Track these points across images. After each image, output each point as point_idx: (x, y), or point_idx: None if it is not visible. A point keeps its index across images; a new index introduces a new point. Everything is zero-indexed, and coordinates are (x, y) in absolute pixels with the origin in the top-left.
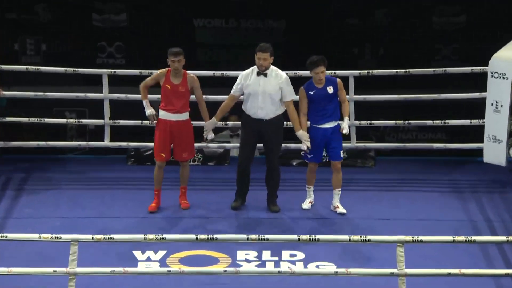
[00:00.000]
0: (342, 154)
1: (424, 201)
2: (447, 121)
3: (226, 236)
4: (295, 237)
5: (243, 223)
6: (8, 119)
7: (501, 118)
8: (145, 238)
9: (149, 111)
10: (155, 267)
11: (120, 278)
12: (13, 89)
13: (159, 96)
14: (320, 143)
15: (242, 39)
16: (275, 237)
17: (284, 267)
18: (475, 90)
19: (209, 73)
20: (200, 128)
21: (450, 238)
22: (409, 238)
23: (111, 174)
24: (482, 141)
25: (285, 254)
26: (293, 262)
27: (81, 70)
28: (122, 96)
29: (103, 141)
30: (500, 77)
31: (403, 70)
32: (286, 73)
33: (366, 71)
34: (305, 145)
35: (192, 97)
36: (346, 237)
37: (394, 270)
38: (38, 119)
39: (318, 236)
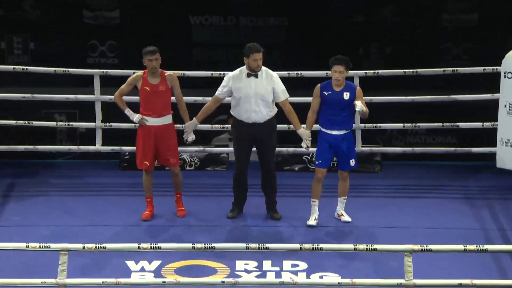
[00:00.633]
0: (353, 162)
1: (433, 208)
2: (457, 124)
3: (224, 245)
4: (297, 246)
5: (242, 231)
6: None
7: None
8: (138, 247)
9: (135, 117)
10: (149, 278)
11: None
12: None
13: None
14: (328, 148)
15: (242, 38)
16: (276, 246)
17: (286, 277)
18: (488, 91)
19: (207, 73)
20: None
21: (461, 247)
22: (417, 247)
23: (103, 179)
24: (494, 145)
25: (287, 264)
26: (295, 273)
27: (71, 70)
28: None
29: (95, 145)
30: None
31: (411, 70)
32: (288, 74)
33: (372, 71)
34: (305, 143)
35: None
36: (351, 246)
37: (402, 281)
38: (26, 122)
39: (321, 245)
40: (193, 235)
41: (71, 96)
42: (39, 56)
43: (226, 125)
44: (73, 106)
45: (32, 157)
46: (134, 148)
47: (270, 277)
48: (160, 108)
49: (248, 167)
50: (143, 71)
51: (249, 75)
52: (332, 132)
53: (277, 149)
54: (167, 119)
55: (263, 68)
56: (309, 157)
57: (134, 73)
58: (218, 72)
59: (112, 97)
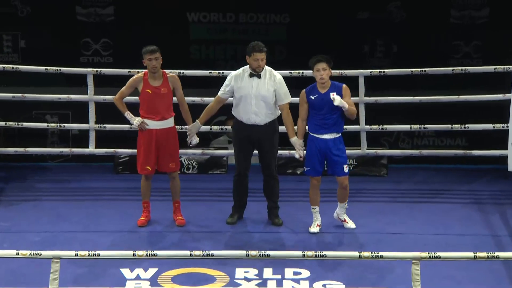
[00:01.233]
0: (346, 168)
1: (442, 214)
2: (467, 125)
3: (223, 252)
4: (299, 253)
5: (242, 238)
6: None
7: None
8: (134, 255)
9: (136, 121)
10: (145, 287)
11: None
12: None
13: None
14: (316, 155)
15: (241, 35)
16: (278, 253)
17: (288, 286)
18: (499, 92)
19: (205, 72)
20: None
21: (471, 254)
22: (425, 254)
23: (96, 183)
24: (506, 148)
25: (289, 272)
26: (297, 281)
27: (63, 69)
28: (108, 98)
29: (88, 147)
30: None
31: (419, 70)
32: (290, 73)
33: (378, 70)
34: (298, 153)
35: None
36: (356, 253)
37: None
38: (16, 123)
39: (325, 252)
40: (191, 241)
41: (64, 96)
42: (30, 55)
43: (225, 127)
44: (65, 107)
45: (23, 160)
46: (129, 150)
47: (271, 286)
48: (162, 111)
49: (249, 169)
50: (143, 72)
51: (251, 75)
52: (322, 136)
53: (279, 151)
54: (169, 122)
55: (267, 68)
56: None
57: (129, 72)
58: (217, 71)
59: (106, 97)
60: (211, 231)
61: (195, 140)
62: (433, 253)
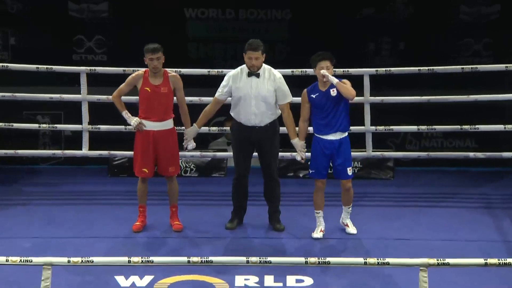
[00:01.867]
0: (350, 171)
1: (450, 219)
2: (477, 126)
3: (222, 258)
4: (302, 260)
5: (242, 244)
6: None
7: None
8: (129, 261)
9: (133, 121)
10: None
11: None
12: None
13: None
14: (322, 157)
15: (241, 32)
16: (279, 260)
17: None
18: (510, 91)
19: (203, 71)
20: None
21: (481, 260)
22: (433, 260)
23: (90, 187)
24: None
25: (291, 280)
26: None
27: (55, 67)
28: (103, 97)
29: (81, 149)
30: None
31: (427, 68)
32: (292, 72)
33: (384, 69)
34: (299, 155)
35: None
36: (360, 259)
37: None
38: (6, 124)
39: (328, 259)
40: (189, 247)
41: (56, 96)
42: (20, 52)
43: (224, 128)
44: (57, 107)
45: (13, 163)
46: (124, 152)
47: None
48: (161, 111)
49: (248, 171)
50: (144, 69)
51: (249, 75)
52: (327, 137)
53: (280, 153)
54: (168, 124)
55: (266, 67)
56: None
57: (124, 71)
58: (216, 70)
59: (100, 97)
60: (210, 237)
61: (192, 144)
62: (441, 259)
